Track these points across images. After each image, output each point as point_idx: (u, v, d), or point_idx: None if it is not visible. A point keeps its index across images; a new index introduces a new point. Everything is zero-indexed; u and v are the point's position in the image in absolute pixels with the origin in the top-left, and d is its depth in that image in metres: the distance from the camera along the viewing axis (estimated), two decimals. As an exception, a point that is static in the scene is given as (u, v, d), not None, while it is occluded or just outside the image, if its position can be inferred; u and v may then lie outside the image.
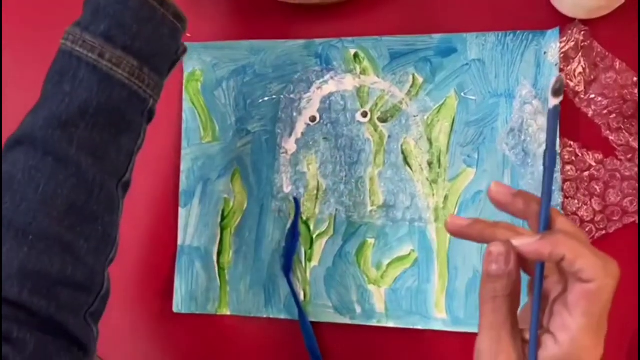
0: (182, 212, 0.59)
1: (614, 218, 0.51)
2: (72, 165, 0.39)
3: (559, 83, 0.31)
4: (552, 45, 0.52)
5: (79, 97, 0.39)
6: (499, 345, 0.32)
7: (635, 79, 0.51)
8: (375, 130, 0.56)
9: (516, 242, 0.31)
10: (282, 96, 0.58)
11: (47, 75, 0.41)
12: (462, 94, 0.54)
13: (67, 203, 0.39)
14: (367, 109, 0.56)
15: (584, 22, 0.52)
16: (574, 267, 0.29)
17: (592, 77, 0.52)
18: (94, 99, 0.40)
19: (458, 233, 0.35)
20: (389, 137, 0.56)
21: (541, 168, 0.51)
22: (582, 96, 0.52)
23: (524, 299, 0.34)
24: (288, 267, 0.56)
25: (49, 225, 0.38)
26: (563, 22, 0.52)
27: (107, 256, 0.42)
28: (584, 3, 0.50)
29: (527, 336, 0.32)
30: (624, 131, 0.51)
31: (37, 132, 0.39)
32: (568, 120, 0.52)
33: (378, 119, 0.56)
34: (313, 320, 0.56)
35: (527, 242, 0.30)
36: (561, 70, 0.52)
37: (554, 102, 0.31)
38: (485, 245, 0.52)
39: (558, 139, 0.49)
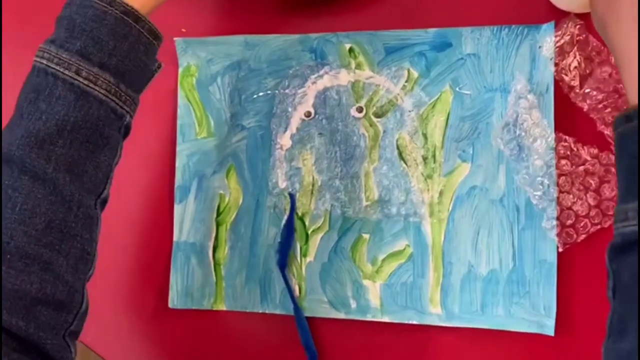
0: (177, 208, 0.59)
1: (609, 212, 0.50)
2: (49, 183, 0.39)
3: None
4: (547, 39, 0.52)
5: (56, 115, 0.39)
6: None
7: (631, 73, 0.50)
8: (370, 125, 0.56)
9: None
10: (276, 91, 0.58)
11: (21, 93, 0.41)
12: (457, 89, 0.54)
13: (45, 221, 0.38)
14: (362, 104, 0.56)
15: (579, 15, 0.52)
16: None
17: (588, 71, 0.52)
18: (72, 116, 0.40)
19: None
20: (384, 132, 0.56)
21: (536, 162, 0.51)
22: (577, 90, 0.52)
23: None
24: (283, 263, 0.56)
25: (27, 244, 0.38)
26: (558, 16, 0.52)
27: (86, 273, 0.42)
28: None
29: None
30: (619, 125, 0.51)
31: (13, 150, 0.39)
32: (563, 114, 0.51)
33: (373, 114, 0.56)
34: (308, 315, 0.56)
35: None
36: (556, 64, 0.52)
37: None
38: (479, 243, 0.52)
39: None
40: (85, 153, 0.41)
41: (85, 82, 0.40)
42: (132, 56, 0.42)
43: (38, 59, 0.41)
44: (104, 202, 0.44)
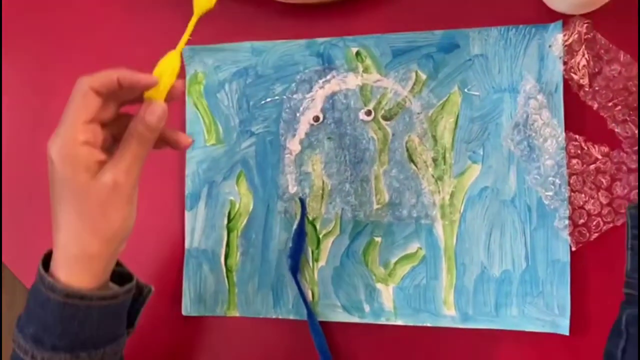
0: (188, 215, 0.60)
1: (621, 211, 0.50)
2: None
3: None
4: (556, 38, 0.52)
5: None
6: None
7: (640, 70, 0.50)
8: (379, 128, 0.56)
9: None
10: (284, 97, 0.58)
11: None
12: (466, 90, 0.54)
13: None
14: (370, 107, 0.56)
15: (586, 14, 0.51)
16: None
17: (597, 69, 0.52)
18: None
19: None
20: (393, 134, 0.56)
21: (547, 162, 0.51)
22: (587, 89, 0.52)
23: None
24: (295, 268, 0.56)
25: None
26: (565, 15, 0.52)
27: None
28: None
29: None
30: (629, 123, 0.51)
31: None
32: (573, 113, 0.51)
33: (382, 117, 0.56)
34: (322, 320, 0.56)
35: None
36: (565, 63, 0.52)
37: None
38: (492, 244, 0.52)
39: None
40: None
41: None
42: (86, 328, 0.42)
43: (13, 337, 0.43)
44: None
